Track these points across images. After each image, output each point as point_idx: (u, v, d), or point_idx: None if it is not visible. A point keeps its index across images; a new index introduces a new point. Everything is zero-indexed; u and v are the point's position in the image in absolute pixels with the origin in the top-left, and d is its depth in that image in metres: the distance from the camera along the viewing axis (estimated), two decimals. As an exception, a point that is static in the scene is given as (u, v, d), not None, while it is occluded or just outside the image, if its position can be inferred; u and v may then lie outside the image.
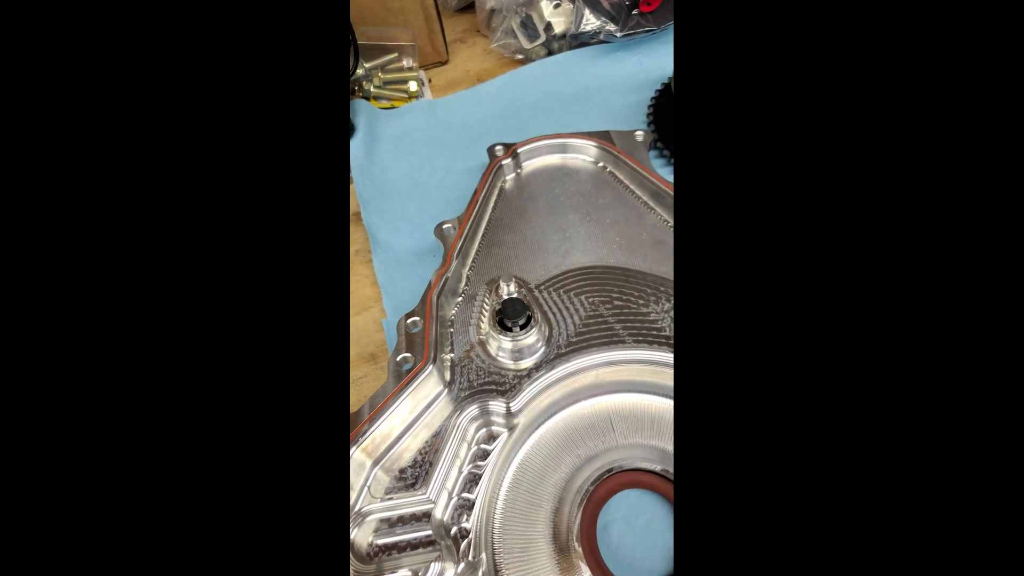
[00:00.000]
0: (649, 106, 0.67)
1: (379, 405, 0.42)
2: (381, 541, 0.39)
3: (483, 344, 0.48)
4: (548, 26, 0.71)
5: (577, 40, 0.73)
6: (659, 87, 0.69)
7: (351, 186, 0.65)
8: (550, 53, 0.75)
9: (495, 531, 0.42)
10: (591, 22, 0.68)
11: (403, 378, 0.43)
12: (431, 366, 0.43)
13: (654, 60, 0.73)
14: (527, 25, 0.70)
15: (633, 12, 0.70)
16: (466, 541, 0.40)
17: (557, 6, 0.70)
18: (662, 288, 0.51)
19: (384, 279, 0.58)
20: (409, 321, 0.47)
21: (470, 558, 0.40)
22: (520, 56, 0.75)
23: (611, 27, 0.69)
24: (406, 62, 0.72)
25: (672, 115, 0.63)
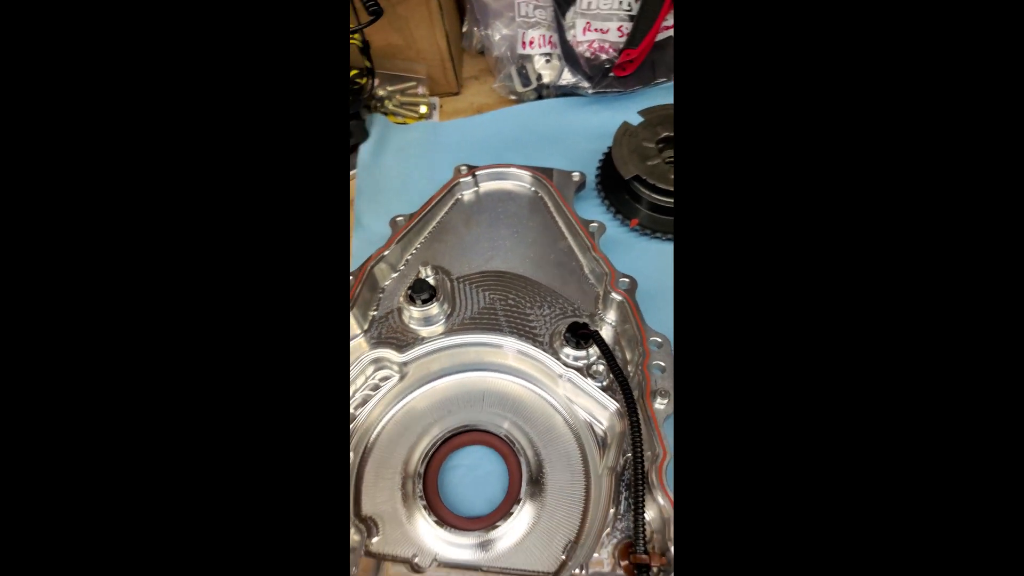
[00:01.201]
0: (602, 154, 0.80)
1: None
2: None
3: (399, 311, 0.64)
4: (539, 76, 0.86)
5: (561, 90, 0.87)
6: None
7: (354, 179, 0.84)
8: (540, 97, 0.90)
9: (368, 445, 0.58)
10: (568, 78, 0.83)
11: (328, 319, 0.59)
12: (350, 312, 0.60)
13: (624, 116, 0.86)
14: (522, 73, 0.85)
15: (609, 74, 0.83)
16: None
17: (548, 60, 0.85)
18: (548, 298, 0.64)
19: (358, 253, 0.75)
20: (347, 281, 0.64)
21: (339, 452, 0.55)
22: (514, 96, 0.90)
23: (585, 84, 0.83)
24: (421, 90, 0.90)
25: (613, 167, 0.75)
